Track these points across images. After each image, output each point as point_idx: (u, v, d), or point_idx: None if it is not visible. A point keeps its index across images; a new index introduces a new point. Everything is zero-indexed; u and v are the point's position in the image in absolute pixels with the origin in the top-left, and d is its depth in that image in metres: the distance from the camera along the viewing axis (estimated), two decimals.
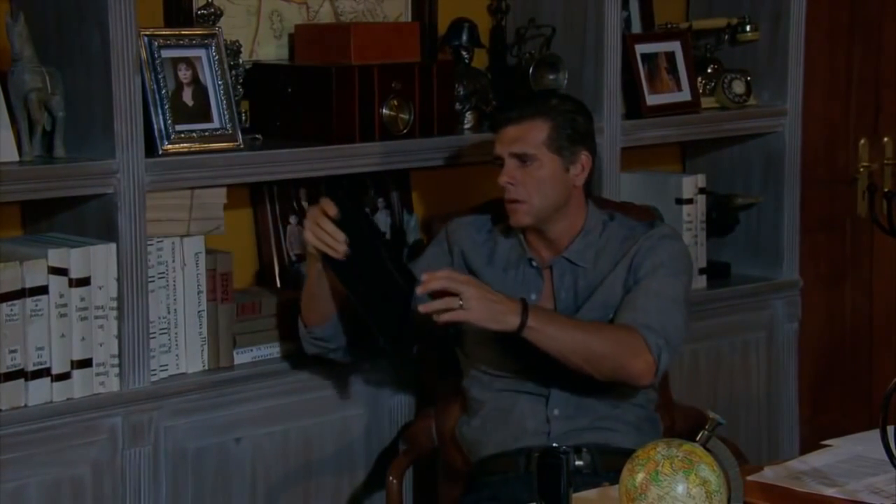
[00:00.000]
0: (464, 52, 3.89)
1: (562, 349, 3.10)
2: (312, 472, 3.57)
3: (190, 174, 3.32)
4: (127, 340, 3.23)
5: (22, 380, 3.12)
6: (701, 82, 4.28)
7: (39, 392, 3.15)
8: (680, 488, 2.31)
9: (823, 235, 4.83)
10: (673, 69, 4.16)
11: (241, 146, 3.41)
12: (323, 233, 3.14)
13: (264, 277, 3.71)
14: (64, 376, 3.17)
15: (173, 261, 3.36)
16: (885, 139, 4.85)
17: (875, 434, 2.66)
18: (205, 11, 3.48)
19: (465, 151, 3.72)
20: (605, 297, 3.26)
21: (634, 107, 4.08)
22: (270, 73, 3.63)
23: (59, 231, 3.30)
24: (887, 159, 4.85)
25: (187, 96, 3.36)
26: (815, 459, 2.94)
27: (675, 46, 4.19)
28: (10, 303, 3.09)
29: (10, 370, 3.10)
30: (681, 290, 3.25)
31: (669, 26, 4.26)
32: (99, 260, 3.20)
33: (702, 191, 4.19)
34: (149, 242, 3.28)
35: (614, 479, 2.46)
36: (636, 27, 4.27)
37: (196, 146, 3.34)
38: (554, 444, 2.62)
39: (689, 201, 4.16)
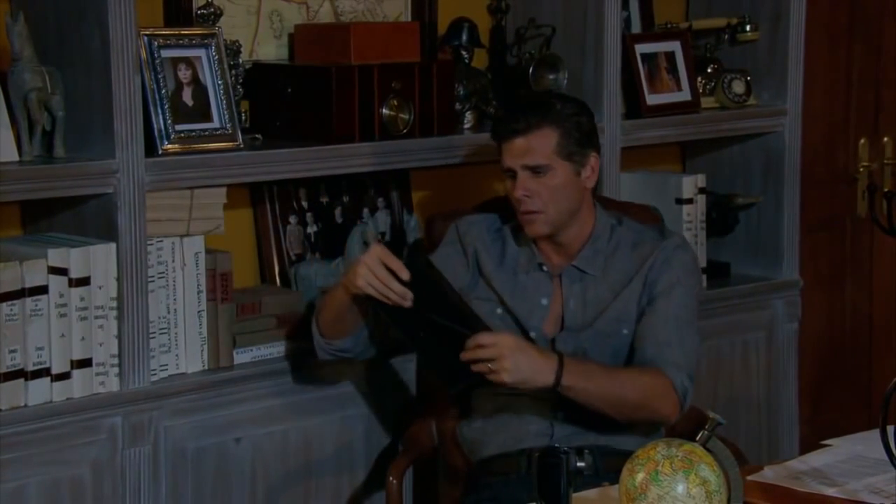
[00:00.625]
0: (464, 52, 3.89)
1: (594, 402, 3.13)
2: (312, 472, 3.57)
3: (190, 174, 3.32)
4: (127, 340, 3.23)
5: (22, 380, 3.12)
6: (701, 82, 4.28)
7: (39, 392, 3.15)
8: (680, 488, 2.31)
9: (823, 235, 4.82)
10: (673, 69, 4.16)
11: (241, 146, 3.41)
12: (386, 288, 3.10)
13: (264, 277, 3.71)
14: (64, 376, 3.17)
15: (173, 261, 3.36)
16: (885, 139, 4.85)
17: (875, 434, 2.66)
18: (205, 11, 3.48)
19: (465, 151, 3.72)
20: (618, 311, 3.27)
21: (634, 107, 4.08)
22: (270, 73, 3.62)
23: (59, 231, 3.30)
24: (887, 159, 4.85)
25: (187, 96, 3.36)
26: (815, 459, 2.94)
27: (674, 46, 4.18)
28: (9, 303, 3.09)
29: (10, 370, 3.10)
30: (693, 304, 3.29)
31: (669, 26, 4.26)
32: (99, 260, 3.20)
33: (702, 191, 4.19)
34: (149, 242, 3.28)
35: (616, 480, 2.45)
36: (636, 27, 4.27)
37: (196, 146, 3.34)
38: (555, 445, 2.62)
39: (689, 201, 4.16)
